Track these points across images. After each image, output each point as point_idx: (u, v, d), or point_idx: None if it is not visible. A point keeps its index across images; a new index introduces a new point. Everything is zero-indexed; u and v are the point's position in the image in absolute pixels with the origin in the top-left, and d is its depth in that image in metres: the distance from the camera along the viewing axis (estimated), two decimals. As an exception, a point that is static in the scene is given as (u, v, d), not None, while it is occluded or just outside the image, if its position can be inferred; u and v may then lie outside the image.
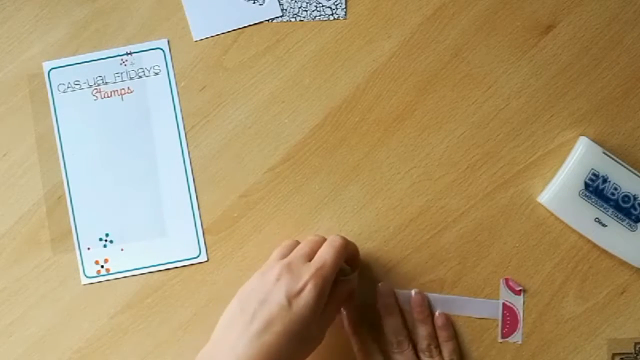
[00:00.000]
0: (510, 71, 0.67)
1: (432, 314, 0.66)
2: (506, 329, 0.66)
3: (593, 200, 0.64)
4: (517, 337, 0.66)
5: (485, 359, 0.66)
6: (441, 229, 0.67)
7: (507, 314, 0.66)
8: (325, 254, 0.59)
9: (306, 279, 0.56)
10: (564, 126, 0.67)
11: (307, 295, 0.55)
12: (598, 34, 0.67)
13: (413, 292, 0.65)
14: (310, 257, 0.59)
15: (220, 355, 0.55)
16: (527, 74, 0.67)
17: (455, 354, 0.65)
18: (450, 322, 0.65)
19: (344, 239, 0.61)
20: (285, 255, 0.60)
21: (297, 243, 0.62)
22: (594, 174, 0.64)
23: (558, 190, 0.65)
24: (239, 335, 0.54)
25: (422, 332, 0.65)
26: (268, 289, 0.56)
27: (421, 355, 0.64)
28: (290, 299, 0.55)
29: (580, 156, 0.64)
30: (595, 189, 0.64)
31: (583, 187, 0.64)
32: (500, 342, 0.66)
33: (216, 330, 0.57)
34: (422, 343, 0.64)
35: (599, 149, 0.65)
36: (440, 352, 0.64)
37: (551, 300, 0.66)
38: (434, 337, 0.65)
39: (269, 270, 0.58)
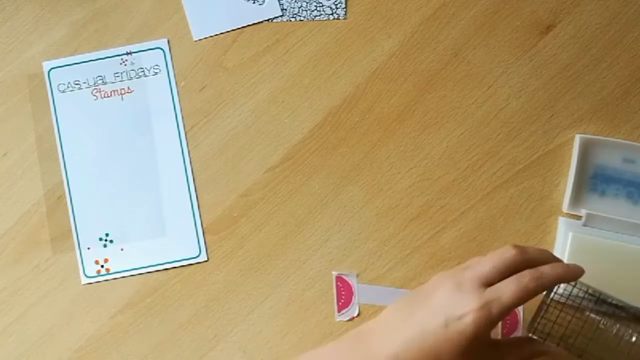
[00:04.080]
0: (510, 71, 0.67)
1: None
2: (505, 329, 0.66)
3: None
4: (517, 337, 0.66)
5: (485, 358, 0.66)
6: (441, 228, 0.67)
7: (507, 314, 0.66)
8: (505, 289, 0.51)
9: (469, 309, 0.51)
10: (563, 126, 0.67)
11: (465, 326, 0.51)
12: (598, 34, 0.67)
13: None
14: (487, 281, 0.52)
15: (380, 337, 0.54)
16: (527, 74, 0.67)
17: None
18: None
19: (550, 272, 0.52)
20: (469, 267, 0.54)
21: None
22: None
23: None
24: (400, 330, 0.53)
25: None
26: (436, 298, 0.52)
27: None
28: (448, 322, 0.51)
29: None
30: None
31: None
32: (500, 342, 0.66)
33: (383, 312, 0.56)
34: None
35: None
36: None
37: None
38: None
39: (445, 279, 0.53)
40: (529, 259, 0.54)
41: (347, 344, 0.56)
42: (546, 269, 0.52)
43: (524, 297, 0.51)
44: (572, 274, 0.54)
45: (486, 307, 0.51)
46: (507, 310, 0.51)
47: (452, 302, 0.52)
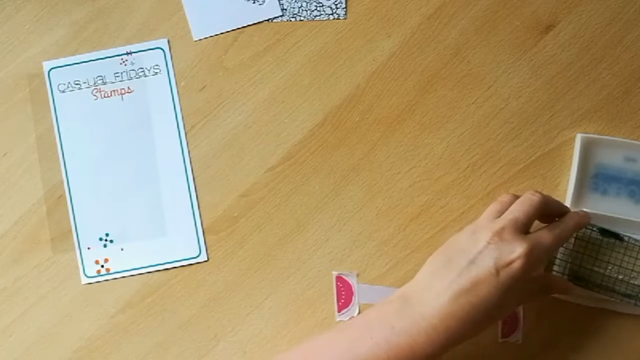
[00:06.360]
0: (510, 71, 0.67)
1: None
2: (506, 329, 0.66)
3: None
4: (517, 337, 0.66)
5: (485, 359, 0.66)
6: (441, 228, 0.67)
7: (508, 314, 0.66)
8: (543, 235, 0.58)
9: (518, 254, 0.55)
10: (564, 126, 0.67)
11: (516, 270, 0.55)
12: (598, 34, 0.67)
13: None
14: (524, 227, 0.58)
15: (424, 298, 0.56)
16: (527, 74, 0.67)
17: None
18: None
19: (570, 221, 0.60)
20: (500, 213, 0.59)
21: (514, 198, 0.60)
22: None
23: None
24: (445, 288, 0.55)
25: None
26: (478, 251, 0.56)
27: None
28: (499, 268, 0.55)
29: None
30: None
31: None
32: (500, 342, 0.66)
33: (419, 275, 0.58)
34: None
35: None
36: None
37: (551, 299, 0.66)
38: None
39: (480, 230, 0.58)
40: (549, 202, 0.61)
41: (393, 307, 0.57)
42: (569, 222, 0.60)
43: (559, 243, 0.59)
44: (587, 220, 0.62)
45: (532, 251, 0.56)
46: (549, 252, 0.58)
47: (499, 251, 0.56)
